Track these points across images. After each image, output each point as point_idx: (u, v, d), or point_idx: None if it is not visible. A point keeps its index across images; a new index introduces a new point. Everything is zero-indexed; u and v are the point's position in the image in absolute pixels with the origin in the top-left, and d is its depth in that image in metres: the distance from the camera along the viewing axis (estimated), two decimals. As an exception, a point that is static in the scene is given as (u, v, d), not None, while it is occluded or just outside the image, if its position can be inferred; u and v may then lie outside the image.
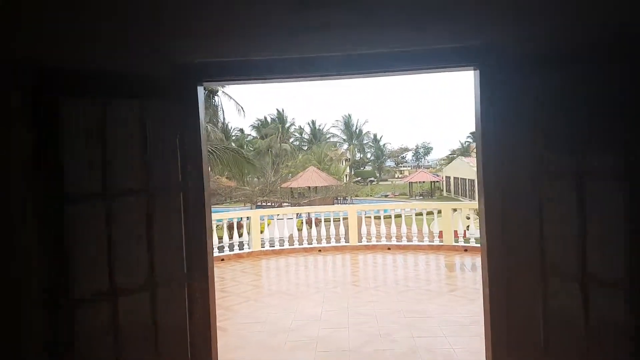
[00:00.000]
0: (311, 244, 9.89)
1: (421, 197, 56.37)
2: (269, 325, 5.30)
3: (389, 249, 9.58)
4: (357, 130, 78.54)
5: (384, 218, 9.98)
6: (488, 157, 2.61)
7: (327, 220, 10.23)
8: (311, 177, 45.78)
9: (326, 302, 6.12)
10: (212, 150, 17.76)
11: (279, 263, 9.19)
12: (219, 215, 9.71)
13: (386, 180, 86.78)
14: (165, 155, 2.66)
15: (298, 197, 41.76)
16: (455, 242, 9.33)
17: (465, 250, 9.13)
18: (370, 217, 10.04)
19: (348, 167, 72.14)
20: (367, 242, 9.80)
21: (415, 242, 9.60)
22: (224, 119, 37.07)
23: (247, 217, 9.67)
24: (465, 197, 49.23)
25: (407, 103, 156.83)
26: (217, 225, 9.69)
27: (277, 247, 9.87)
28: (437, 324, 5.06)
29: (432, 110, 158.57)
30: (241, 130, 73.16)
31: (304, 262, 9.18)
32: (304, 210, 10.19)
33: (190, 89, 2.73)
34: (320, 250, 9.75)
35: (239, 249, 9.68)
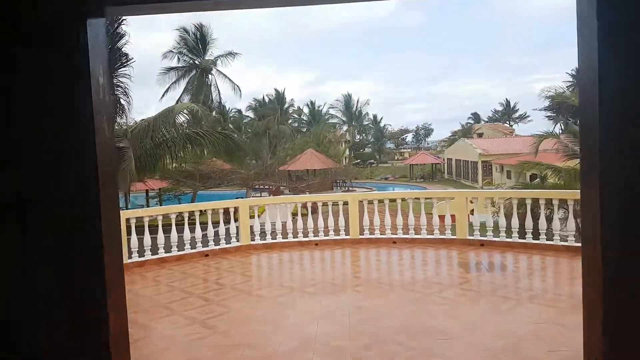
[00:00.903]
0: (307, 236, 8.83)
1: (422, 180, 55.32)
2: (249, 350, 4.25)
3: (394, 242, 8.52)
4: (357, 112, 76.91)
5: (389, 205, 8.82)
6: (608, 114, 1.50)
7: (324, 205, 9.12)
8: (310, 160, 44.60)
9: (322, 317, 5.06)
10: (202, 133, 16.63)
11: (271, 260, 8.13)
12: (203, 205, 8.60)
13: (386, 162, 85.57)
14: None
15: (296, 180, 40.70)
16: (469, 235, 8.26)
17: (482, 245, 8.07)
18: (373, 204, 8.95)
19: (347, 149, 70.88)
20: (370, 234, 8.74)
21: (424, 234, 8.53)
22: (220, 99, 35.68)
23: (235, 208, 8.57)
24: (468, 179, 48.16)
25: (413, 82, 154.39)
26: (201, 212, 8.60)
27: (269, 240, 8.80)
28: (463, 351, 4.00)
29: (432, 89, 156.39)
30: (239, 112, 71.64)
31: (299, 258, 8.13)
32: (299, 199, 9.02)
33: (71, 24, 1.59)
34: (317, 244, 8.68)
35: (226, 243, 8.61)
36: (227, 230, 8.61)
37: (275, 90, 70.08)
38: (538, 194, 8.02)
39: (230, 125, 69.73)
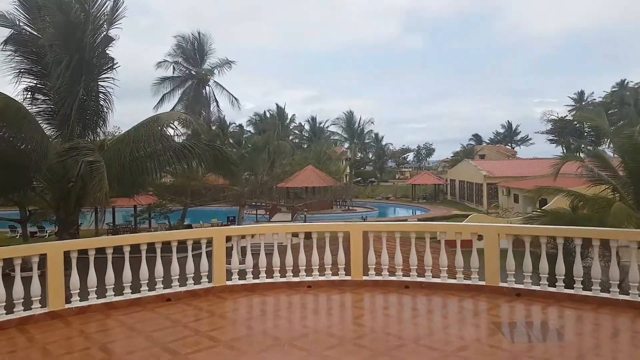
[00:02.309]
0: (298, 275, 7.08)
1: (424, 200, 53.56)
2: None
3: (406, 287, 6.77)
4: (360, 129, 75.65)
5: (400, 239, 7.07)
6: None
7: (321, 238, 7.37)
8: (309, 177, 42.94)
9: None
10: (189, 146, 14.96)
11: (251, 308, 6.38)
12: (166, 236, 6.87)
13: (387, 181, 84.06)
14: None
15: (294, 198, 39.00)
16: (502, 282, 6.51)
17: (518, 294, 6.32)
18: (380, 236, 7.24)
19: (348, 167, 69.36)
20: (377, 275, 7.00)
21: (444, 277, 6.79)
22: (218, 111, 34.15)
23: (208, 240, 6.84)
24: (472, 202, 46.43)
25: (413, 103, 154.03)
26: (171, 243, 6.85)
27: (250, 279, 7.05)
28: None
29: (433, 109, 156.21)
30: (240, 126, 70.33)
31: (287, 306, 6.38)
32: (290, 229, 7.27)
33: None
34: (310, 286, 6.93)
35: (195, 284, 6.85)
36: (197, 266, 6.86)
37: (277, 105, 69.02)
38: (592, 233, 6.30)
39: (230, 139, 68.60)
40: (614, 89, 73.51)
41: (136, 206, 32.30)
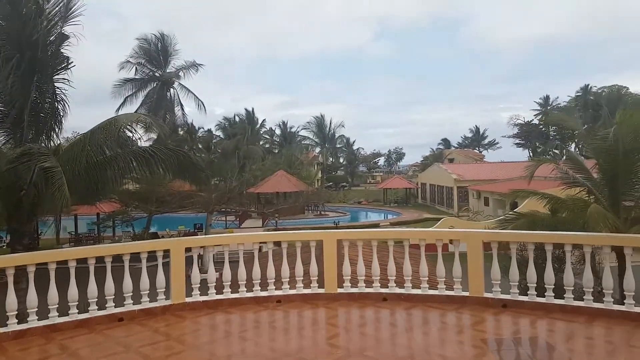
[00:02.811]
0: (267, 289, 6.45)
1: (396, 204, 53.67)
2: None
3: (384, 299, 6.25)
4: (331, 133, 75.33)
5: (377, 247, 6.56)
6: None
7: (291, 246, 6.76)
8: (280, 182, 42.16)
9: None
10: (150, 151, 14.08)
11: (214, 329, 5.71)
12: (115, 249, 6.11)
13: (358, 185, 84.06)
14: None
15: (265, 203, 38.15)
16: (487, 292, 6.08)
17: (504, 306, 5.90)
18: (356, 245, 6.71)
19: (320, 172, 68.94)
20: (352, 287, 6.45)
21: (424, 289, 6.30)
22: (184, 115, 32.95)
23: (164, 251, 6.12)
24: (443, 205, 46.76)
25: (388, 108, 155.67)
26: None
27: (212, 294, 6.36)
28: None
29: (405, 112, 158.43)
30: (209, 131, 68.70)
31: (254, 325, 5.74)
32: (256, 238, 6.61)
33: None
34: (279, 301, 6.32)
35: (150, 301, 6.13)
36: (153, 282, 6.14)
37: (246, 110, 67.93)
38: (580, 239, 5.95)
39: (199, 145, 66.93)
40: (577, 94, 76.05)
41: (99, 214, 30.81)
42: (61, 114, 13.08)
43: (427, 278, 6.30)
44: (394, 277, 6.34)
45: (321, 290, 6.43)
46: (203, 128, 66.94)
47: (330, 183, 71.50)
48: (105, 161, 13.50)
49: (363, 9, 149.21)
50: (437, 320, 5.70)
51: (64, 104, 12.82)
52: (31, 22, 12.41)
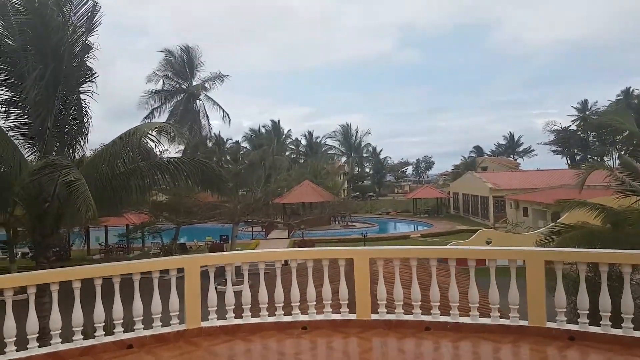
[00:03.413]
0: (291, 314, 5.71)
1: (426, 215, 52.08)
2: None
3: (427, 328, 5.40)
4: (357, 143, 74.47)
5: (416, 266, 5.70)
6: None
7: (317, 262, 5.98)
8: (306, 192, 41.55)
9: None
10: (175, 161, 13.67)
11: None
12: (116, 268, 5.50)
13: (386, 195, 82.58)
14: None
15: (290, 214, 37.58)
16: (550, 322, 5.15)
17: (572, 338, 4.96)
18: (392, 263, 5.88)
19: (346, 182, 68.11)
20: (389, 314, 5.64)
21: (475, 317, 5.42)
22: (209, 126, 32.84)
23: (178, 270, 5.49)
24: (477, 216, 44.98)
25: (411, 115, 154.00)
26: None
27: (231, 319, 5.67)
28: None
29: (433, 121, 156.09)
30: (236, 143, 69.17)
31: (276, 357, 5.01)
32: (279, 256, 5.87)
33: None
34: (305, 328, 5.57)
35: (162, 326, 5.48)
36: (166, 304, 5.50)
37: (272, 121, 68.07)
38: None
39: (227, 156, 67.36)
40: (618, 97, 72.55)
41: (128, 225, 30.96)
42: (86, 125, 12.83)
43: (478, 304, 5.42)
44: (438, 303, 5.49)
45: (352, 316, 5.64)
46: (231, 139, 67.54)
47: (357, 193, 70.50)
48: (128, 172, 13.16)
49: (386, 17, 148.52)
50: (491, 355, 4.83)
51: (88, 116, 12.55)
52: (57, 32, 12.28)
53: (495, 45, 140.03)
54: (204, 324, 5.56)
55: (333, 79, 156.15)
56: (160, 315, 5.45)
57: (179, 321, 5.53)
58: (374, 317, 5.60)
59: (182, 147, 31.00)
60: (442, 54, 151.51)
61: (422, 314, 5.54)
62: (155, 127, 12.70)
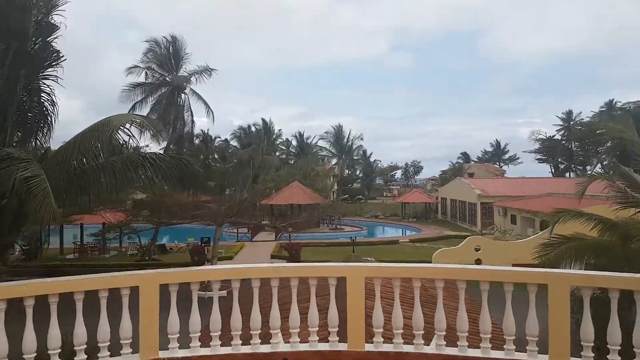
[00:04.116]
0: (269, 341, 4.77)
1: (414, 219, 51.50)
2: None
3: (431, 363, 4.51)
4: (348, 145, 73.67)
5: (419, 288, 4.81)
6: None
7: (302, 280, 5.05)
8: (294, 194, 40.55)
9: None
10: (151, 157, 12.59)
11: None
12: (66, 285, 4.52)
13: (374, 198, 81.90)
14: None
15: (278, 216, 36.60)
16: (575, 358, 4.30)
17: (607, 381, 4.11)
18: (392, 284, 4.99)
19: (335, 184, 67.30)
20: (386, 344, 4.74)
21: (486, 350, 4.55)
22: (192, 122, 31.48)
23: (129, 288, 4.50)
24: (465, 222, 44.50)
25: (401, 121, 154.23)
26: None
27: (196, 349, 4.71)
28: None
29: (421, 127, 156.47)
30: (225, 141, 67.76)
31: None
32: (255, 273, 4.88)
33: None
34: (286, 360, 4.64)
35: (111, 356, 4.50)
36: (118, 327, 4.52)
37: (263, 120, 66.88)
38: None
39: (215, 155, 65.96)
40: (602, 109, 73.38)
41: (105, 223, 29.60)
42: (51, 114, 11.72)
43: (490, 335, 4.55)
44: (444, 333, 4.61)
45: (343, 346, 4.73)
46: (220, 137, 66.16)
47: (346, 195, 69.72)
48: (98, 168, 12.02)
49: (379, 21, 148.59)
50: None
51: (54, 104, 11.44)
52: (22, 10, 11.17)
53: (485, 52, 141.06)
54: (163, 354, 4.59)
55: (326, 80, 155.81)
56: (108, 343, 4.47)
57: (131, 350, 4.55)
58: (368, 347, 4.70)
59: (164, 144, 29.78)
60: (433, 59, 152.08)
61: (424, 345, 4.65)
62: (128, 120, 11.58)
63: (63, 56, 11.25)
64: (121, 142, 11.99)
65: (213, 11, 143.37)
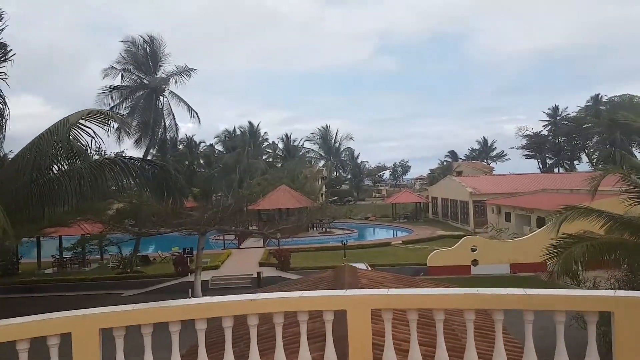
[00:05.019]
0: (248, 398, 3.60)
1: (405, 220, 50.60)
2: None
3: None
4: (336, 146, 72.55)
5: (442, 321, 3.69)
6: None
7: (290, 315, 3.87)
8: (282, 198, 39.29)
9: None
10: (122, 162, 11.24)
11: None
12: None
13: (363, 200, 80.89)
14: None
15: (266, 221, 35.34)
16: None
17: None
18: (405, 318, 3.86)
19: (324, 186, 66.15)
20: (401, 397, 3.60)
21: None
22: (175, 126, 30.01)
23: (59, 336, 3.32)
24: (457, 221, 43.69)
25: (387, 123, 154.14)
26: None
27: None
28: None
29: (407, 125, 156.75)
30: (211, 146, 66.13)
31: None
32: (230, 308, 3.72)
33: None
34: None
35: None
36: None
37: (249, 122, 65.47)
38: None
39: (200, 160, 64.30)
40: (588, 104, 73.61)
41: (84, 235, 28.03)
42: (4, 117, 10.40)
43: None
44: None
45: (345, 402, 3.59)
46: (204, 142, 64.52)
47: (335, 198, 68.63)
48: (62, 175, 10.65)
49: (365, 25, 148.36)
50: None
51: (4, 104, 10.13)
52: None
53: (467, 53, 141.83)
54: None
55: (312, 84, 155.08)
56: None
57: None
58: (378, 403, 3.56)
59: (142, 150, 28.21)
60: (418, 61, 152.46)
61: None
62: (86, 114, 10.09)
63: (11, 50, 9.93)
64: (82, 143, 10.55)
65: (199, 15, 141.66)
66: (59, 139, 10.39)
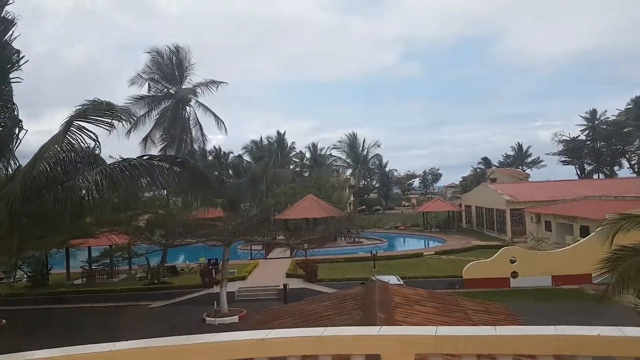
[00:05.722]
0: None
1: (437, 229, 48.85)
2: None
3: None
4: (364, 154, 71.41)
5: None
6: None
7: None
8: (309, 207, 38.56)
9: None
10: (139, 163, 10.52)
11: None
12: None
13: (393, 209, 79.16)
14: None
15: (293, 231, 34.64)
16: None
17: None
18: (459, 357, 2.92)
19: (352, 195, 65.14)
20: None
21: None
22: (202, 136, 29.82)
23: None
24: (493, 230, 41.77)
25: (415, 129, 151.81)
26: None
27: None
28: None
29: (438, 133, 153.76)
30: (239, 156, 66.35)
31: None
32: (240, 353, 2.92)
33: None
34: None
35: None
36: None
37: (277, 132, 65.38)
38: None
39: (229, 170, 64.59)
40: (628, 106, 69.90)
41: (111, 246, 28.06)
42: (17, 126, 10.02)
43: None
44: None
45: None
46: (233, 153, 64.78)
47: (363, 207, 67.42)
48: (73, 182, 10.13)
49: (390, 32, 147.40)
50: None
51: (16, 111, 9.73)
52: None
53: (496, 57, 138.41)
54: None
55: (338, 92, 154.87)
56: None
57: None
58: None
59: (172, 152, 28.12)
60: (444, 66, 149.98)
61: None
62: (86, 109, 9.38)
63: (24, 56, 9.53)
64: (85, 145, 9.85)
65: (224, 27, 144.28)
66: (69, 145, 9.94)
